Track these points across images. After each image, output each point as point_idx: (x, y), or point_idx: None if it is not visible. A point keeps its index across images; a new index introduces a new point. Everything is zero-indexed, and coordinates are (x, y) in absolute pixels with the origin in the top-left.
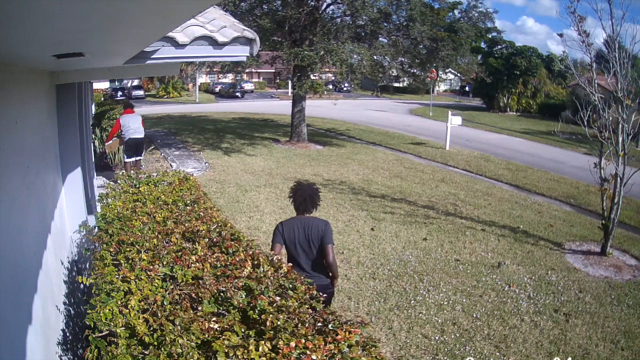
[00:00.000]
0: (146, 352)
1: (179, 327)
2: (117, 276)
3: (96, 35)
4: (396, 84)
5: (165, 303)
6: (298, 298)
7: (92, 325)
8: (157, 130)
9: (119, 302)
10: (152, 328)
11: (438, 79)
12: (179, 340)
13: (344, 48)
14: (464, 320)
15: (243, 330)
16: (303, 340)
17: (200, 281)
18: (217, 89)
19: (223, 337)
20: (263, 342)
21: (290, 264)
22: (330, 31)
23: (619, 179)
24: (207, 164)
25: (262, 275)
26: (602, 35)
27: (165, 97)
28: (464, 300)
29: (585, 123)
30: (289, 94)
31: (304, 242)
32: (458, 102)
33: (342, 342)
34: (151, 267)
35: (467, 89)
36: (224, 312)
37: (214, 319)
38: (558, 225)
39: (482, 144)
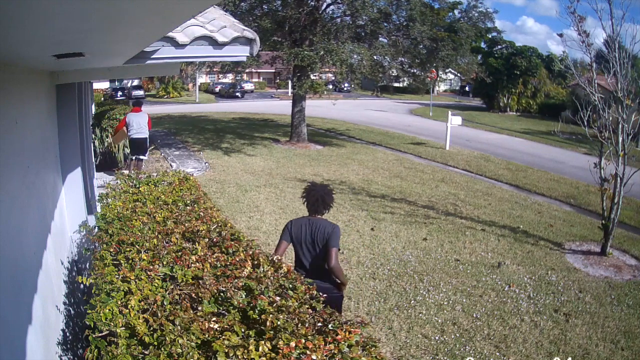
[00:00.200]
0: (146, 352)
1: (179, 327)
2: (117, 276)
3: (96, 35)
4: (396, 84)
5: (165, 303)
6: (298, 298)
7: (92, 325)
8: (157, 130)
9: (119, 302)
10: (152, 328)
11: (438, 79)
12: (179, 340)
13: (344, 48)
14: (464, 320)
15: (243, 330)
16: (303, 340)
17: (200, 281)
18: (217, 89)
19: (223, 337)
20: (263, 342)
21: (292, 264)
22: (330, 31)
23: (619, 179)
24: (207, 164)
25: (262, 275)
26: (602, 35)
27: (165, 97)
28: (464, 300)
29: (585, 123)
30: (289, 94)
31: (310, 242)
32: (458, 102)
33: (342, 342)
34: (151, 267)
35: (467, 89)
36: (224, 312)
37: (214, 319)
38: (558, 225)
39: (482, 144)
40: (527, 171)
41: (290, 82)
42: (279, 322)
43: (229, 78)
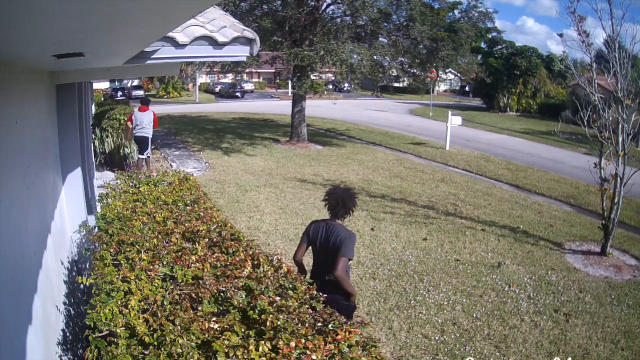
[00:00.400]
0: (146, 352)
1: (179, 327)
2: (117, 276)
3: (96, 35)
4: (396, 84)
5: (165, 303)
6: (298, 298)
7: (92, 325)
8: (157, 130)
9: (119, 302)
10: (152, 328)
11: (438, 79)
12: (179, 340)
13: (344, 48)
14: (464, 320)
15: (243, 330)
16: (303, 340)
17: (200, 281)
18: (217, 89)
19: (223, 337)
20: (263, 342)
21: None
22: (330, 31)
23: (619, 179)
24: (207, 164)
25: (262, 275)
26: (602, 35)
27: (165, 97)
28: (464, 300)
29: (585, 123)
30: (289, 94)
31: (324, 246)
32: (458, 102)
33: (342, 342)
34: (151, 267)
35: (467, 89)
36: (224, 312)
37: (214, 319)
38: (558, 225)
39: (482, 144)
40: (527, 171)
41: (290, 82)
42: (279, 322)
43: (229, 78)
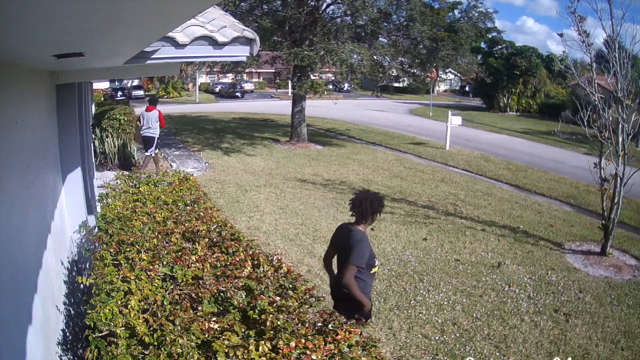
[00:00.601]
0: (146, 352)
1: (179, 327)
2: (117, 276)
3: (96, 35)
4: (396, 84)
5: (165, 303)
6: (298, 298)
7: (92, 325)
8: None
9: (119, 302)
10: (152, 328)
11: (438, 79)
12: (179, 340)
13: (344, 48)
14: (464, 320)
15: (243, 330)
16: (303, 340)
17: (200, 281)
18: (217, 89)
19: (223, 337)
20: (263, 342)
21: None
22: (330, 31)
23: (619, 179)
24: (207, 164)
25: (262, 275)
26: (602, 35)
27: (165, 97)
28: (464, 300)
29: (585, 123)
30: (289, 94)
31: (341, 250)
32: (458, 102)
33: (342, 342)
34: (151, 267)
35: (467, 89)
36: (224, 312)
37: (214, 319)
38: (558, 225)
39: (482, 144)
40: (527, 171)
41: (290, 82)
42: (279, 322)
43: (229, 78)
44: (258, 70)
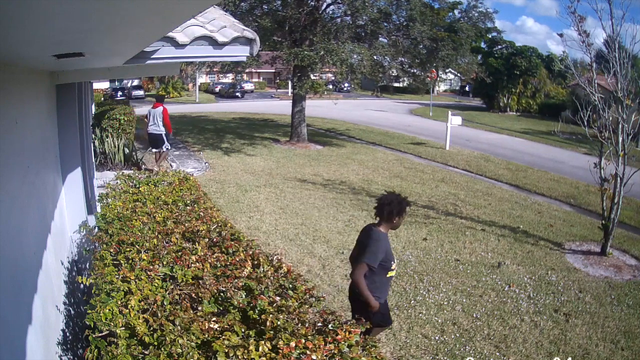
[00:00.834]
0: (146, 352)
1: (179, 327)
2: (117, 276)
3: (96, 35)
4: (396, 84)
5: (165, 303)
6: (298, 298)
7: (92, 325)
8: None
9: (119, 302)
10: (152, 328)
11: (438, 79)
12: (179, 340)
13: (344, 48)
14: (464, 320)
15: (243, 330)
16: (303, 340)
17: (200, 281)
18: (217, 89)
19: (223, 337)
20: (263, 342)
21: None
22: (330, 31)
23: (619, 179)
24: (207, 164)
25: (262, 275)
26: (602, 35)
27: (165, 97)
28: (464, 300)
29: (585, 123)
30: (289, 94)
31: (359, 248)
32: (458, 102)
33: (342, 342)
34: (151, 267)
35: (467, 89)
36: (224, 312)
37: (214, 319)
38: (558, 225)
39: (482, 144)
40: (527, 171)
41: (290, 82)
42: (279, 322)
43: (229, 78)
44: (258, 70)
